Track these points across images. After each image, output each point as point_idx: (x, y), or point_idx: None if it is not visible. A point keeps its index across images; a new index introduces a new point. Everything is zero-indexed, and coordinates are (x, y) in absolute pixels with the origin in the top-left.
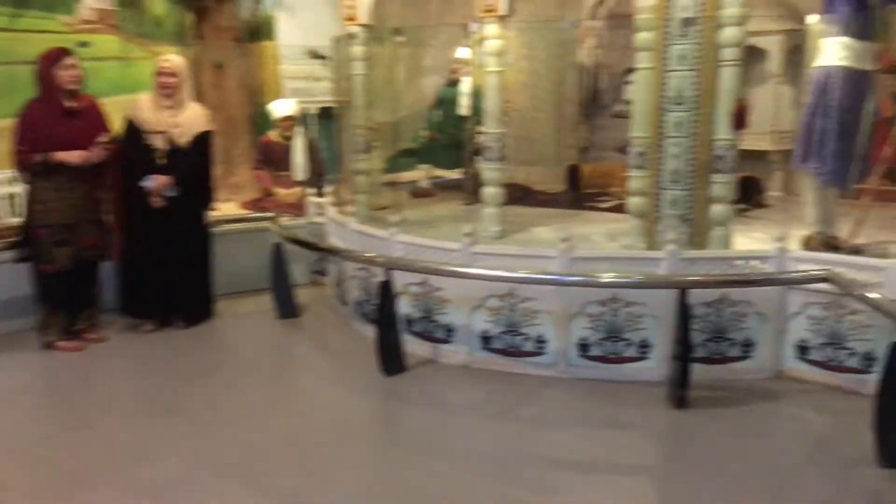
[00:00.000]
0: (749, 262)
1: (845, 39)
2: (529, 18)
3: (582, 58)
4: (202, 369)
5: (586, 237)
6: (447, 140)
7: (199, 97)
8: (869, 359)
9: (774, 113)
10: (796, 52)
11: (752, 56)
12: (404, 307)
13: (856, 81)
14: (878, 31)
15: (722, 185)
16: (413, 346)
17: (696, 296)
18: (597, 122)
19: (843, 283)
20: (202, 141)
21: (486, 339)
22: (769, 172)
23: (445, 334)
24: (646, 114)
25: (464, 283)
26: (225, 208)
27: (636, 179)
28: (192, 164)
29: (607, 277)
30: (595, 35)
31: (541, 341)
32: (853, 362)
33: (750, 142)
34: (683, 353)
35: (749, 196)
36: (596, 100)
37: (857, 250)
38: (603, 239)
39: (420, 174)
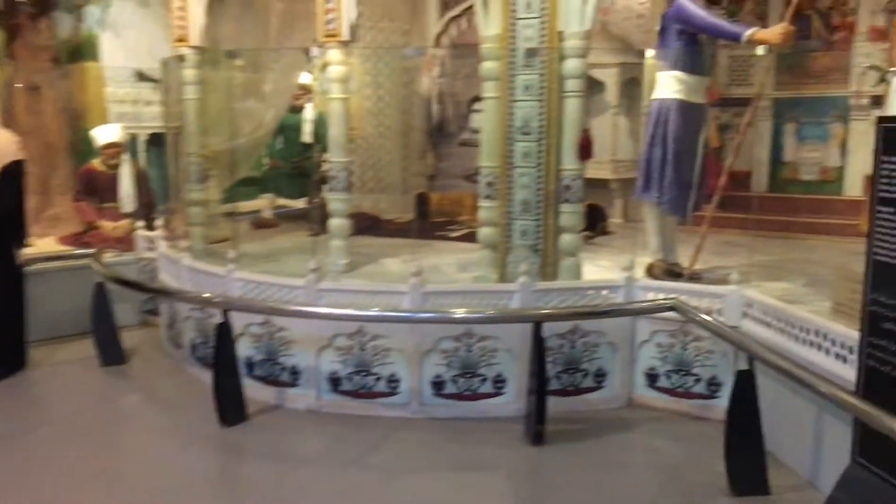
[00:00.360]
0: (600, 291)
1: (678, 73)
2: (373, 44)
3: (427, 86)
4: (10, 430)
5: (437, 268)
6: (291, 168)
7: (11, 122)
8: (713, 384)
9: (613, 143)
10: (631, 84)
11: (590, 87)
12: (244, 349)
13: (690, 114)
14: (708, 67)
15: (570, 214)
16: (255, 392)
17: (549, 327)
18: (444, 150)
19: (688, 310)
20: (12, 171)
21: (334, 381)
22: (611, 200)
23: (291, 377)
24: (494, 143)
25: (310, 322)
26: (41, 244)
27: (486, 209)
28: (1, 197)
29: (460, 313)
30: (439, 63)
31: (393, 381)
32: (699, 388)
33: (592, 171)
34: (539, 387)
35: (594, 224)
36: (443, 128)
37: (696, 276)
38: (454, 269)
39: (262, 204)
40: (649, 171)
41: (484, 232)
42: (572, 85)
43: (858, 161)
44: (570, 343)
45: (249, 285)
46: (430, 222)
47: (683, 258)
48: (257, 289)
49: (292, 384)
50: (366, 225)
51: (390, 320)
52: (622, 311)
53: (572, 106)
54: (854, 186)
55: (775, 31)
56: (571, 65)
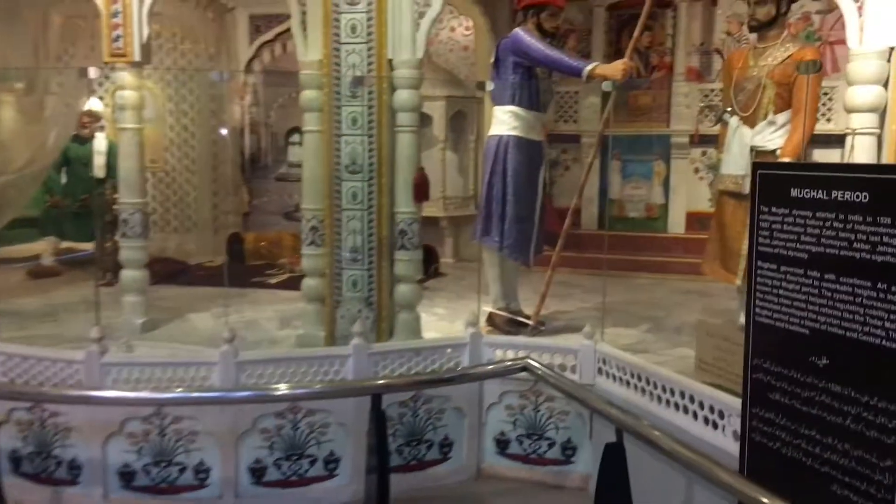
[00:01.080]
0: (444, 351)
1: (515, 108)
2: (174, 68)
3: (239, 115)
4: None
5: (255, 324)
6: (77, 207)
7: None
8: (568, 448)
9: (442, 179)
10: (458, 117)
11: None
12: (7, 441)
13: (528, 152)
14: (544, 102)
15: (407, 262)
16: (23, 493)
17: (389, 395)
18: (260, 185)
19: (541, 371)
20: None
21: (127, 476)
22: (441, 239)
23: (70, 473)
24: (317, 183)
25: (93, 406)
26: None
27: (310, 258)
28: None
29: (283, 388)
30: (252, 91)
31: (201, 470)
32: (553, 453)
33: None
34: (380, 465)
35: (426, 266)
36: (257, 161)
37: (540, 324)
38: (275, 325)
39: (42, 248)
40: (489, 213)
41: (309, 283)
42: (405, 119)
43: (681, 198)
44: (412, 411)
45: (12, 361)
46: (246, 266)
47: (524, 302)
48: (22, 364)
49: (72, 482)
50: (170, 271)
51: (196, 402)
52: (470, 377)
53: (405, 142)
54: (678, 224)
55: (616, 66)
56: (403, 96)
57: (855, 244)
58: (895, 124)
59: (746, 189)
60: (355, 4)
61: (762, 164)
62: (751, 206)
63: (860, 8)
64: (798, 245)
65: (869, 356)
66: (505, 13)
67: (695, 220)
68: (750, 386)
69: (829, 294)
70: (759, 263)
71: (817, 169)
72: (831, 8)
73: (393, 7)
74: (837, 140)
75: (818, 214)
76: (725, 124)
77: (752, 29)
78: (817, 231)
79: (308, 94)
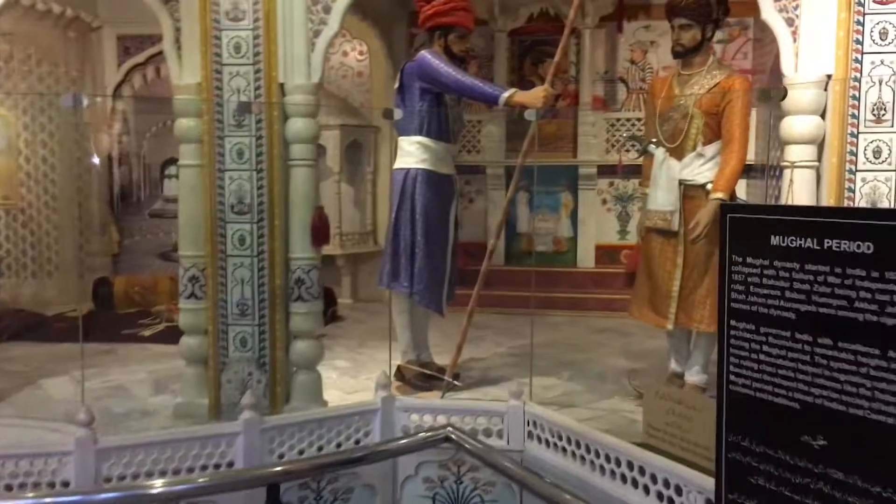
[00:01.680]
0: (351, 419)
1: (423, 139)
2: (29, 92)
3: (108, 145)
4: None
5: (123, 390)
6: None
7: None
8: None
9: (338, 214)
10: (354, 147)
11: None
12: None
13: (439, 187)
14: (455, 131)
15: (305, 315)
16: None
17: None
18: (131, 223)
19: (465, 441)
20: None
21: None
22: (338, 278)
23: None
24: (196, 225)
25: None
26: None
27: (189, 313)
28: None
29: (159, 485)
30: (121, 118)
31: None
32: None
33: None
34: None
35: (324, 310)
36: (129, 196)
37: (456, 376)
38: (148, 390)
39: None
40: (396, 255)
41: (188, 343)
42: (300, 151)
43: (590, 231)
44: (316, 493)
45: None
46: (116, 315)
47: (435, 350)
48: None
49: None
50: (21, 325)
51: None
52: (383, 453)
53: (301, 177)
54: (587, 258)
55: (537, 93)
56: (298, 125)
57: (857, 303)
58: (835, 157)
59: (675, 226)
60: (239, 20)
61: (730, 205)
62: (720, 256)
63: (794, 33)
64: (782, 303)
65: (879, 437)
66: (402, 36)
67: (604, 253)
68: (725, 468)
69: (825, 362)
70: (733, 323)
71: (803, 213)
72: (732, 38)
73: (284, 24)
74: (756, 170)
75: (808, 267)
76: (650, 156)
77: (676, 55)
78: (807, 287)
79: (184, 123)
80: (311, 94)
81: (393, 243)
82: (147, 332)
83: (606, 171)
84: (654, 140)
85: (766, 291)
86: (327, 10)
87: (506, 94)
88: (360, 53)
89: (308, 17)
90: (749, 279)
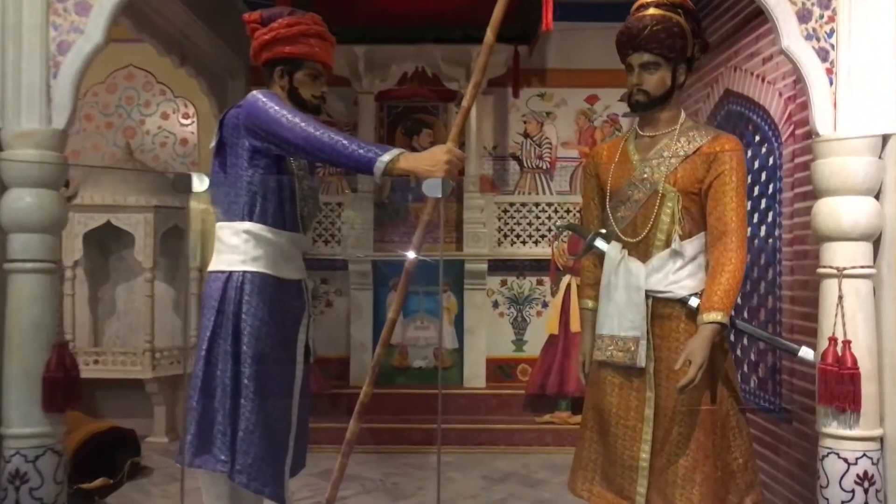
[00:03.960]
0: None
1: (255, 227)
2: None
3: None
4: None
5: None
6: None
7: None
8: None
9: (149, 324)
10: (174, 236)
11: (111, 239)
12: None
13: (279, 299)
14: (306, 216)
15: None
16: None
17: None
18: None
19: None
20: None
21: None
22: (149, 410)
23: None
24: None
25: None
26: None
27: None
28: None
29: None
30: None
31: None
32: None
33: (118, 368)
34: None
35: (115, 465)
36: None
37: None
38: None
39: None
40: (208, 413)
41: None
42: (25, 246)
43: (479, 341)
44: None
45: None
46: None
47: None
48: None
49: None
50: None
51: None
52: None
53: (27, 290)
54: (477, 375)
55: (434, 156)
56: (23, 203)
57: None
58: None
59: (641, 360)
60: None
61: None
62: None
63: (830, 71)
64: None
65: None
66: (241, 96)
67: (497, 368)
68: None
69: None
70: None
71: None
72: None
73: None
74: None
75: None
76: (593, 255)
77: (635, 107)
78: None
79: None
80: (51, 150)
81: (202, 392)
82: None
83: (499, 266)
84: (601, 231)
85: None
86: (83, 8)
87: (385, 158)
88: (185, 116)
89: (49, 19)
90: None
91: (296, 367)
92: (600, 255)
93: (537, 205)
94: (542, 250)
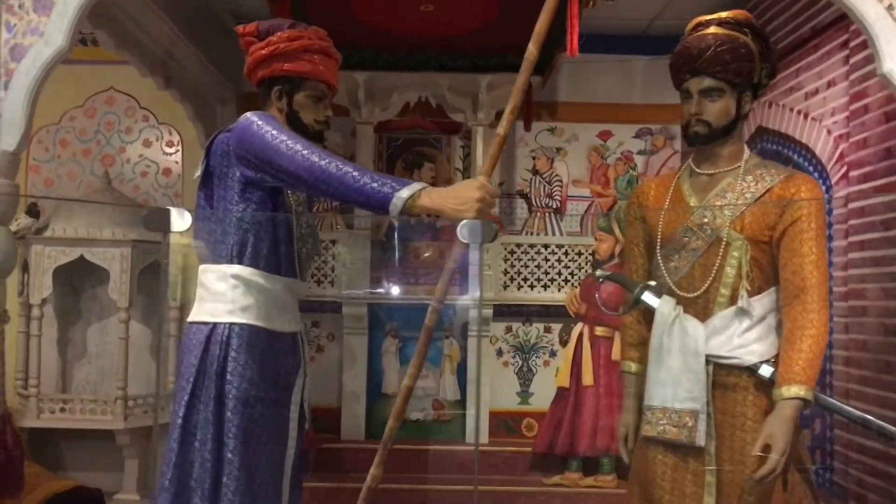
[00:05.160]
0: None
1: (246, 271)
2: None
3: None
4: None
5: None
6: None
7: None
8: None
9: (122, 369)
10: (152, 273)
11: (84, 275)
12: None
13: (270, 355)
14: (304, 257)
15: None
16: None
17: None
18: None
19: None
20: None
21: None
22: (119, 462)
23: None
24: None
25: None
26: None
27: None
28: None
29: None
30: None
31: None
32: None
33: (86, 418)
34: None
35: None
36: None
37: None
38: None
39: None
40: (183, 493)
41: None
42: None
43: (482, 393)
44: None
45: None
46: None
47: None
48: None
49: None
50: None
51: None
52: None
53: None
54: (480, 429)
55: (464, 192)
56: None
57: None
58: None
59: (700, 439)
60: None
61: None
62: None
63: None
64: None
65: None
66: (229, 121)
67: (500, 422)
68: None
69: None
70: None
71: None
72: (655, 149)
73: None
74: None
75: None
76: (639, 310)
77: (693, 140)
78: None
79: None
80: (2, 176)
81: (176, 468)
82: None
83: (503, 312)
84: (650, 284)
85: None
86: (44, 7)
87: (405, 194)
88: (169, 144)
89: (1, 17)
90: None
91: (289, 433)
92: (645, 312)
93: (546, 246)
94: (551, 295)
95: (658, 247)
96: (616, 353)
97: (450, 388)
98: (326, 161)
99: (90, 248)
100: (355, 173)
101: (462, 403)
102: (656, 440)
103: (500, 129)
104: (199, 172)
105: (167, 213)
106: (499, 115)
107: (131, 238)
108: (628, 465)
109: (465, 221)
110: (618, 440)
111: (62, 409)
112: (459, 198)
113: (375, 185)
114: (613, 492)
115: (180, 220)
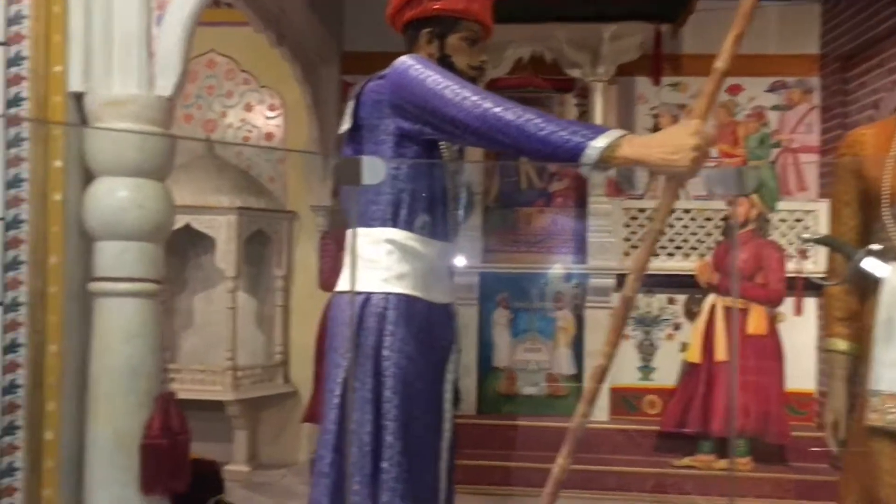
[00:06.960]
0: None
1: (402, 235)
2: None
3: None
4: None
5: None
6: None
7: None
8: None
9: (231, 339)
10: (258, 241)
11: (189, 244)
12: None
13: (428, 329)
14: (455, 218)
15: None
16: None
17: None
18: None
19: None
20: None
21: None
22: (229, 434)
23: None
24: None
25: None
26: None
27: None
28: None
29: None
30: None
31: None
32: None
33: (197, 388)
34: None
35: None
36: None
37: None
38: None
39: None
40: (342, 483)
41: None
42: (113, 261)
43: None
44: None
45: None
46: None
47: None
48: None
49: None
50: None
51: None
52: None
53: (119, 318)
54: (599, 406)
55: (677, 138)
56: (116, 198)
57: None
58: None
59: None
60: None
61: None
62: None
63: None
64: None
65: None
66: (333, 87)
67: (621, 399)
68: None
69: None
70: None
71: None
72: (791, 103)
73: None
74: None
75: None
76: (857, 277)
77: None
78: None
79: None
80: (154, 125)
81: (335, 452)
82: None
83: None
84: (874, 248)
85: None
86: None
87: (601, 143)
88: (271, 108)
89: None
90: None
91: (443, 414)
92: (858, 281)
93: (671, 211)
94: (677, 263)
95: (884, 204)
96: (752, 327)
97: (564, 362)
98: (503, 107)
99: (196, 216)
100: (538, 120)
101: (578, 377)
102: (885, 432)
103: (720, 63)
104: (346, 126)
105: (358, 163)
106: (620, 70)
107: (237, 205)
108: (839, 457)
109: (716, 170)
110: (826, 428)
111: (172, 380)
112: (670, 145)
113: (564, 133)
114: (749, 475)
115: (373, 172)
